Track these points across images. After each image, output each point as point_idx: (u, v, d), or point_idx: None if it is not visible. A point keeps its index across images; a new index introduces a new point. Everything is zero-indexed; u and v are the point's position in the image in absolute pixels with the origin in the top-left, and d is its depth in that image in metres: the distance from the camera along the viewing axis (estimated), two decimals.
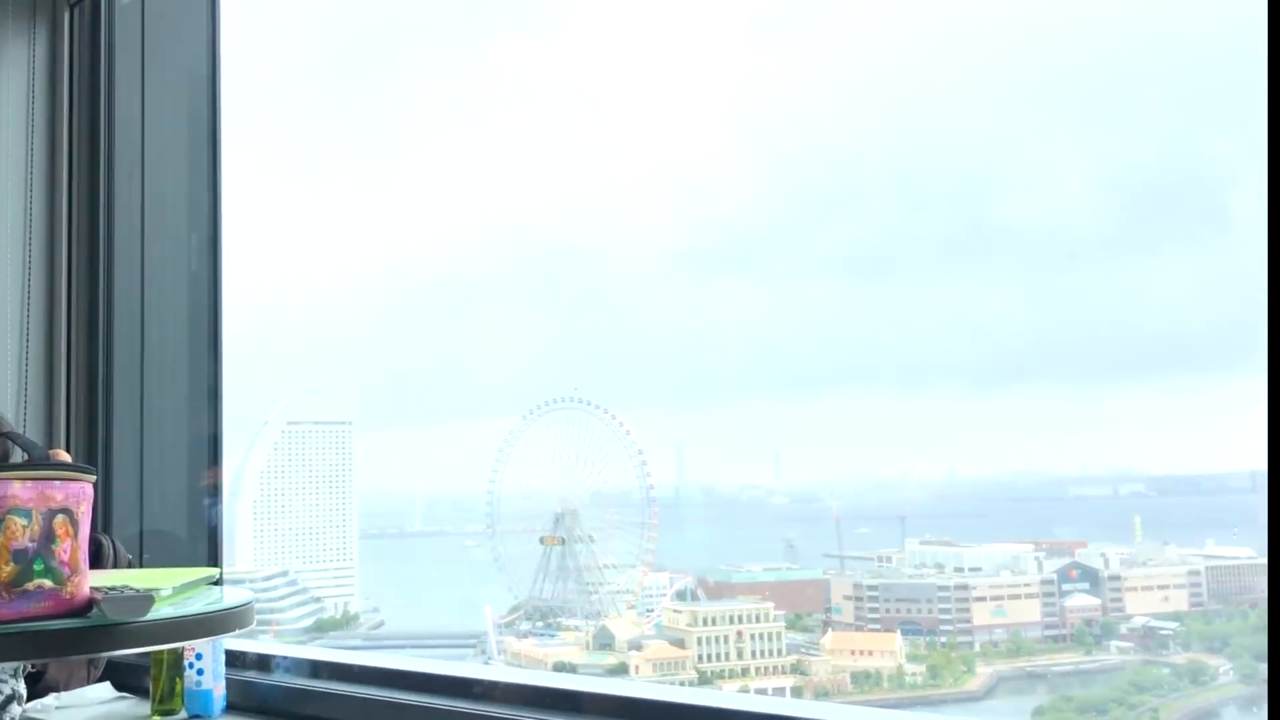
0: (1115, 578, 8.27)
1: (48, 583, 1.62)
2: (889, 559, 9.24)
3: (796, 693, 8.65)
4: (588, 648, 9.48)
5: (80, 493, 1.70)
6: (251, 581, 9.44)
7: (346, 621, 9.96)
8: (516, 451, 10.55)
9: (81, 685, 2.99)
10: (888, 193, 12.31)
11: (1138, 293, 10.34)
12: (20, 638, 1.59)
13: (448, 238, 15.91)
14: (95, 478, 1.75)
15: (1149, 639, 7.91)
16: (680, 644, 9.04)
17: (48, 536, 1.63)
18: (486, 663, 9.54)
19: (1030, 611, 8.45)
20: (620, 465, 10.47)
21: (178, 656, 2.79)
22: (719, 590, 9.51)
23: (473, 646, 9.84)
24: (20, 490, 1.62)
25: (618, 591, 10.15)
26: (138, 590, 1.71)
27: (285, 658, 2.93)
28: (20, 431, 2.53)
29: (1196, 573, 7.98)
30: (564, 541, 10.33)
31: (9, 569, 1.59)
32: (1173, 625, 7.88)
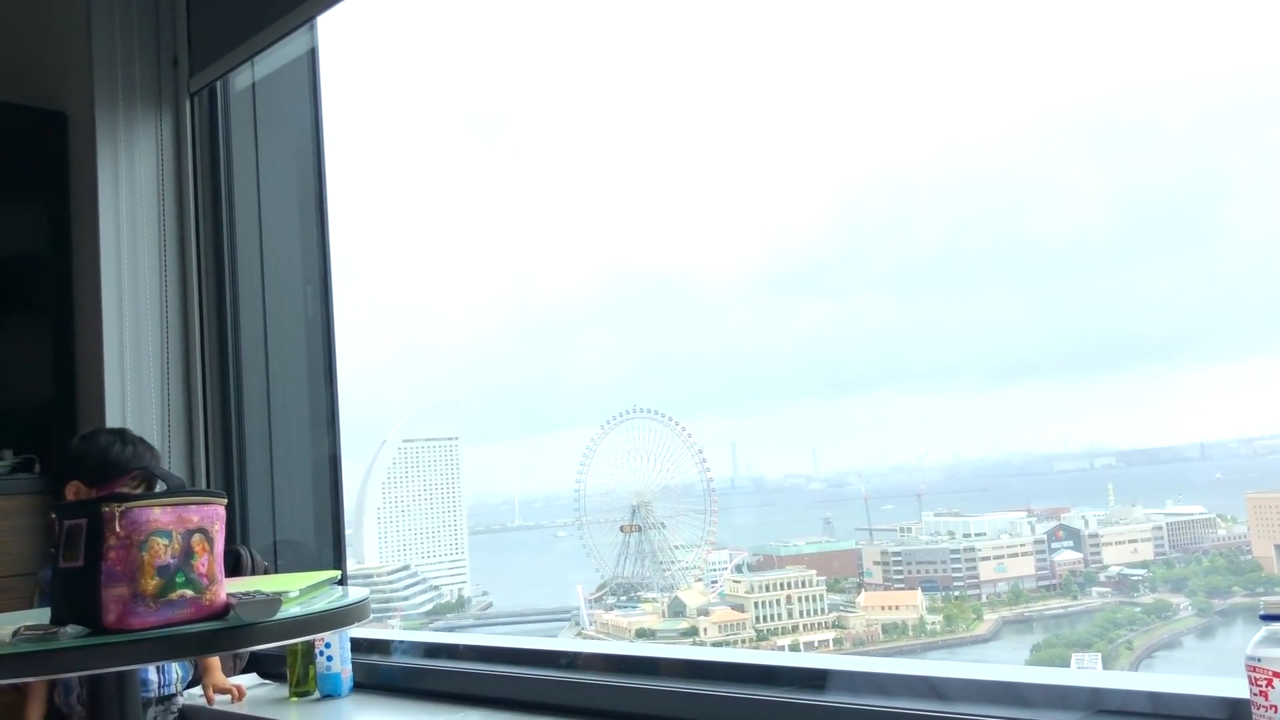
0: (1094, 535, 8.31)
1: (189, 592, 1.59)
2: (909, 529, 9.24)
3: (838, 644, 8.65)
4: (664, 615, 9.46)
5: (214, 514, 1.67)
6: (378, 576, 9.49)
7: (460, 605, 9.97)
8: (597, 456, 10.57)
9: (230, 674, 2.98)
10: (935, 217, 12.32)
11: (1125, 296, 10.24)
12: (168, 640, 1.56)
13: (564, 272, 16.05)
14: (225, 500, 1.72)
15: (1123, 584, 7.96)
16: (740, 608, 9.01)
17: (187, 553, 1.60)
18: (580, 632, 9.54)
19: (1026, 566, 8.46)
20: (684, 463, 10.46)
21: (309, 646, 2.76)
22: (769, 562, 9.47)
23: (568, 619, 9.85)
24: (161, 515, 1.59)
25: (686, 568, 10.11)
26: (268, 594, 1.68)
27: (402, 641, 2.89)
28: (165, 466, 2.52)
29: (1159, 528, 8.02)
30: (640, 529, 10.32)
31: (155, 582, 1.55)
32: (1141, 572, 7.94)
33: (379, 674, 2.81)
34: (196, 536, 1.62)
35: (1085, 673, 1.95)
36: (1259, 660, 1.33)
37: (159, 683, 2.76)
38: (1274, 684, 1.31)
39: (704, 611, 9.27)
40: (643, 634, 9.11)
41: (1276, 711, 1.31)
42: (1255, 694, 1.33)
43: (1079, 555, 8.32)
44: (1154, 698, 1.67)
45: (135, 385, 3.30)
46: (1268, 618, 1.35)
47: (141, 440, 2.49)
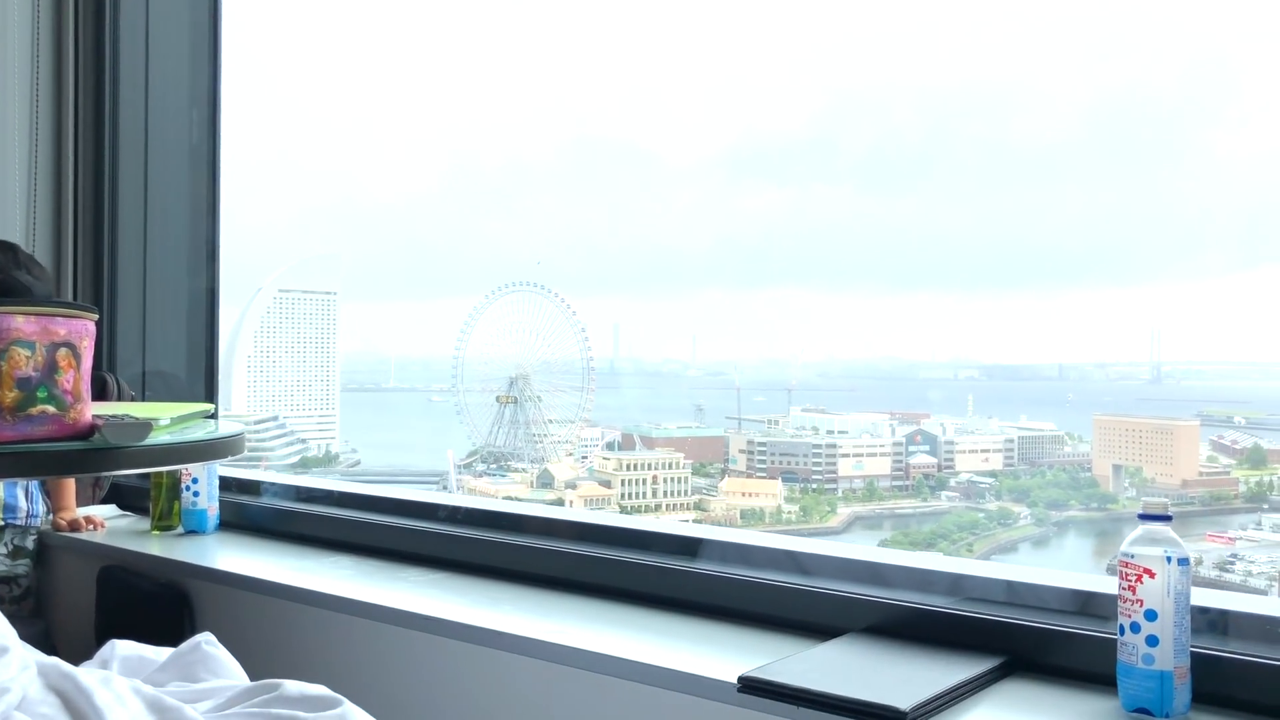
0: (950, 443, 8.65)
1: (51, 409, 1.48)
2: (776, 422, 9.47)
3: (697, 523, 8.89)
4: (532, 486, 9.54)
5: (83, 329, 1.55)
6: (245, 423, 9.33)
7: (328, 460, 9.89)
8: (479, 325, 10.46)
9: (87, 505, 2.86)
10: (917, 114, 11.86)
11: (1059, 212, 10.20)
12: (26, 457, 1.45)
13: (522, 131, 15.02)
14: (96, 316, 1.60)
15: (971, 490, 8.35)
16: (607, 485, 9.15)
17: (51, 367, 1.48)
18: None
19: (883, 466, 8.78)
20: (566, 340, 10.43)
21: (175, 480, 2.66)
22: (641, 443, 9.60)
23: (436, 482, 9.86)
24: (23, 324, 1.46)
25: (559, 442, 10.17)
26: (137, 418, 1.58)
27: (273, 484, 2.81)
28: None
29: (1011, 441, 8.43)
30: (516, 400, 10.31)
31: (13, 395, 1.44)
32: (989, 480, 8.34)
33: (247, 514, 2.73)
34: (62, 351, 1.50)
35: (948, 559, 2.01)
36: (1132, 556, 1.37)
37: (27, 510, 2.63)
38: (1143, 580, 1.35)
39: (571, 485, 9.37)
40: (509, 501, 9.18)
41: (1142, 605, 1.35)
42: (1124, 588, 1.37)
43: (934, 460, 8.65)
44: (1009, 586, 1.73)
45: None
46: (1145, 517, 1.39)
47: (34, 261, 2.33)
